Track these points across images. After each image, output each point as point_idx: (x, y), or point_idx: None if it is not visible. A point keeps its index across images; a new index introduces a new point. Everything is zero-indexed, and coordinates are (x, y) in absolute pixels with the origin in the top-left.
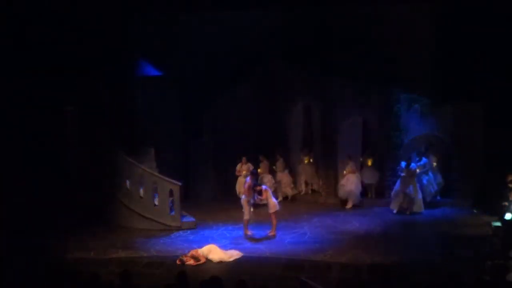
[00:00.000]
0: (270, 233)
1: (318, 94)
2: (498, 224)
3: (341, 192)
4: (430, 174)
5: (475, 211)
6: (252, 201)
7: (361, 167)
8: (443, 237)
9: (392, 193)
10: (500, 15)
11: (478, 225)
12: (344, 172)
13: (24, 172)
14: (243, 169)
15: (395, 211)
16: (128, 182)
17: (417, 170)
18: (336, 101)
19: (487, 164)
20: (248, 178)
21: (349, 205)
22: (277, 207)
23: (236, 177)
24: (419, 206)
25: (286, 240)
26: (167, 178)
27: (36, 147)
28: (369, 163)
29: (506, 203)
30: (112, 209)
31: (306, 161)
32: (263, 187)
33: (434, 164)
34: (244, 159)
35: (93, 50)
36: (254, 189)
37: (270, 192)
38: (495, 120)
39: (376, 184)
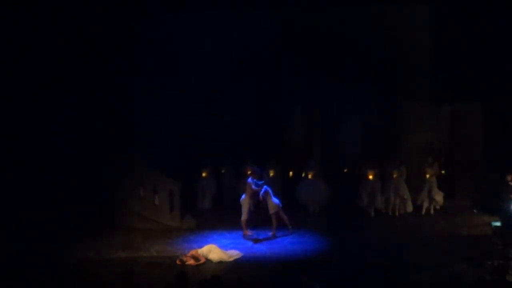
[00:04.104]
0: (271, 233)
1: (317, 96)
2: (498, 224)
3: (302, 197)
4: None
5: (475, 211)
6: (251, 201)
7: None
8: (443, 238)
9: (383, 195)
10: (500, 14)
11: (478, 225)
12: (309, 175)
13: (26, 172)
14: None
15: (390, 213)
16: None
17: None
18: (335, 102)
19: (487, 164)
20: (251, 179)
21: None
22: (278, 208)
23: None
24: (410, 206)
25: (286, 240)
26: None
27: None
28: (309, 175)
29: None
30: (113, 209)
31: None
32: (264, 187)
33: (395, 175)
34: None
35: (96, 51)
36: (255, 190)
37: (270, 193)
38: (495, 120)
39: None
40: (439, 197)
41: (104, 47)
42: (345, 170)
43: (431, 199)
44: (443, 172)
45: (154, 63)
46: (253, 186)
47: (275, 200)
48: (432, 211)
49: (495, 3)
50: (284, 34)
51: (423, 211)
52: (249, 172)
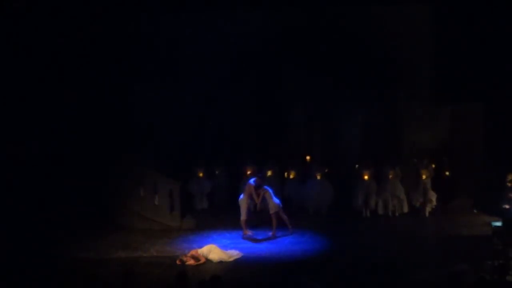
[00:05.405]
0: (271, 233)
1: (317, 96)
2: (498, 224)
3: (308, 201)
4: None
5: (475, 211)
6: (250, 201)
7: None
8: (443, 238)
9: (379, 196)
10: (500, 14)
11: (478, 225)
12: (318, 176)
13: (26, 172)
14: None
15: (390, 214)
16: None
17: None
18: (335, 102)
19: (487, 164)
20: (253, 180)
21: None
22: (278, 208)
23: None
24: (405, 206)
25: (286, 240)
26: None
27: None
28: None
29: (507, 206)
30: (113, 209)
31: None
32: (264, 187)
33: (391, 176)
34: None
35: (96, 51)
36: (257, 191)
37: (271, 193)
38: (495, 120)
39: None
40: (433, 197)
41: (104, 47)
42: (326, 171)
43: (428, 200)
44: (447, 173)
45: (154, 63)
46: (254, 192)
47: (276, 200)
48: (427, 213)
49: (495, 3)
50: (284, 34)
51: (426, 213)
52: (248, 172)
